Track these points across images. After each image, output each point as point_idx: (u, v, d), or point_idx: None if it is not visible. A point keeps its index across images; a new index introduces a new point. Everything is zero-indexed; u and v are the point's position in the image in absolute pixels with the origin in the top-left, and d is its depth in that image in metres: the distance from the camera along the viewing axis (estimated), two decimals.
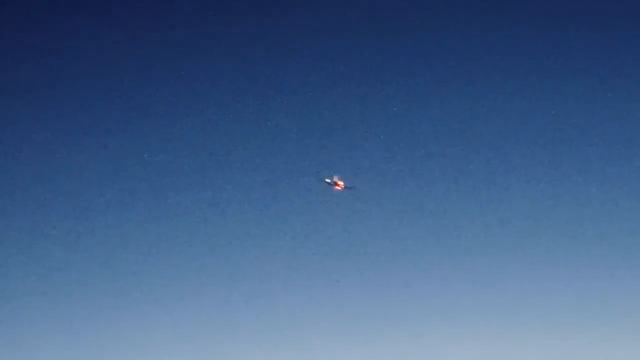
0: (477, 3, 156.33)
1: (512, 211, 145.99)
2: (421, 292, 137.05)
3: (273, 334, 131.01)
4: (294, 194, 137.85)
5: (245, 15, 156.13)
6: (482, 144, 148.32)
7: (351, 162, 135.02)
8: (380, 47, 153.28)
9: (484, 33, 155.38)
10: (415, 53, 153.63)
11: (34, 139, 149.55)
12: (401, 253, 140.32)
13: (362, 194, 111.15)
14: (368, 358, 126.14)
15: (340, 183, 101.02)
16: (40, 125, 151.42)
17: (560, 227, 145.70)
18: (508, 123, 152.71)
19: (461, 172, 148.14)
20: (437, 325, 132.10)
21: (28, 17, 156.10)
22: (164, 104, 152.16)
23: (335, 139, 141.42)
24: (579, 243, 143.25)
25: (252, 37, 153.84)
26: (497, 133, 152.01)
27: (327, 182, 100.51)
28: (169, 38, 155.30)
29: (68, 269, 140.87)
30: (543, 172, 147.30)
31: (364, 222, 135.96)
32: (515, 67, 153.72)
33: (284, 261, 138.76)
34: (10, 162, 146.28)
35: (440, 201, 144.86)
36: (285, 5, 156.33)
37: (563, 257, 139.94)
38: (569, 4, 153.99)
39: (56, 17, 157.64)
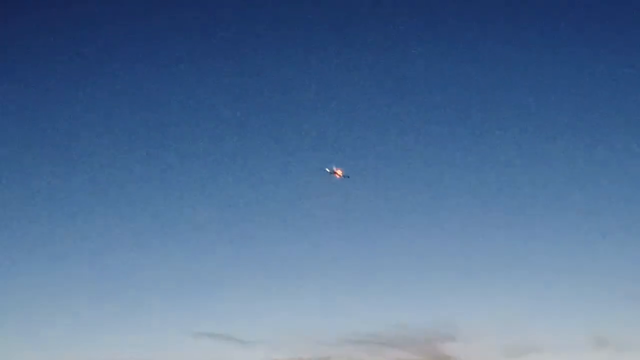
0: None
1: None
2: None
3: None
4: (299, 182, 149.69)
5: (245, 14, 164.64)
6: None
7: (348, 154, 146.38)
8: (378, 46, 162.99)
9: (487, 33, 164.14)
10: (414, 48, 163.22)
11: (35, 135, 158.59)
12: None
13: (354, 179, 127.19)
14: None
15: (339, 172, 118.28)
16: (39, 123, 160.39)
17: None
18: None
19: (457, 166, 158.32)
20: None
21: (31, 18, 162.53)
22: (168, 103, 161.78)
23: (336, 134, 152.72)
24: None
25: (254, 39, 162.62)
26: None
27: (328, 171, 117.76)
28: (175, 38, 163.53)
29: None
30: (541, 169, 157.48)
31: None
32: (508, 59, 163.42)
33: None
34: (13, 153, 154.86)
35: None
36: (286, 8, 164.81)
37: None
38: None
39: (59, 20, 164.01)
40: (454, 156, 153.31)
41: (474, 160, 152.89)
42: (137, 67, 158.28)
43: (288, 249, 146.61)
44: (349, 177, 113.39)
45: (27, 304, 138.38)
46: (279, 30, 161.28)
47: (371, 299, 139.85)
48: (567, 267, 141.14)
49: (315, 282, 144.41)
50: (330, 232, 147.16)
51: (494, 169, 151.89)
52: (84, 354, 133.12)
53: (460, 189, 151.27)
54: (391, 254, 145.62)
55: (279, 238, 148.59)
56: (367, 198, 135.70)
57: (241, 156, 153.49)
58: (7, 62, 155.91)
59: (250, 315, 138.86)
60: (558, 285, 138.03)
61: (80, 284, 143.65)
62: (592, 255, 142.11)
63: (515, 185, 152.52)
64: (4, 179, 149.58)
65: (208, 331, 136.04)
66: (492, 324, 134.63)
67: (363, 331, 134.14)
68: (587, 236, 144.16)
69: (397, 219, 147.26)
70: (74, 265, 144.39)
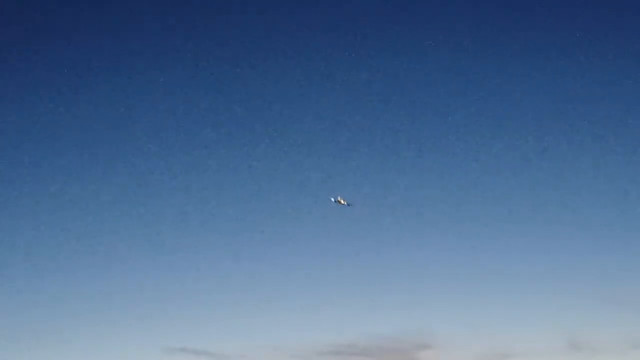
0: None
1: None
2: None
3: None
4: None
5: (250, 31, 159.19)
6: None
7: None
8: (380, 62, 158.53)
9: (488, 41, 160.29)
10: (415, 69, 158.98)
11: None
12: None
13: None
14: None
15: (342, 201, 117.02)
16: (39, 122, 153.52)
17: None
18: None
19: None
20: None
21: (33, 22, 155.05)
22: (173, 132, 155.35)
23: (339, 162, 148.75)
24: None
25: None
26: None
27: (332, 200, 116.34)
28: (181, 49, 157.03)
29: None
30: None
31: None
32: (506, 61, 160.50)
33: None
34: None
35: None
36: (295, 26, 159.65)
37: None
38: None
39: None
40: (431, 169, 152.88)
41: (449, 173, 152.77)
42: (137, 78, 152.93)
43: (261, 262, 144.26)
44: (350, 205, 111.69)
45: None
46: (279, 58, 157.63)
47: (346, 308, 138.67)
48: (541, 272, 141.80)
49: (290, 293, 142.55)
50: (304, 244, 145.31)
51: (466, 181, 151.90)
52: None
53: (431, 200, 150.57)
54: (365, 263, 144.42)
55: (251, 252, 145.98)
56: (338, 211, 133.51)
57: (219, 171, 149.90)
58: (7, 63, 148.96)
59: (224, 328, 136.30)
60: (532, 291, 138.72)
61: (50, 299, 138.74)
62: (565, 260, 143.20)
63: (486, 195, 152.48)
64: None
65: (181, 346, 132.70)
66: (467, 331, 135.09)
67: (338, 342, 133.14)
68: (560, 241, 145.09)
69: (372, 229, 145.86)
70: (42, 280, 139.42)
